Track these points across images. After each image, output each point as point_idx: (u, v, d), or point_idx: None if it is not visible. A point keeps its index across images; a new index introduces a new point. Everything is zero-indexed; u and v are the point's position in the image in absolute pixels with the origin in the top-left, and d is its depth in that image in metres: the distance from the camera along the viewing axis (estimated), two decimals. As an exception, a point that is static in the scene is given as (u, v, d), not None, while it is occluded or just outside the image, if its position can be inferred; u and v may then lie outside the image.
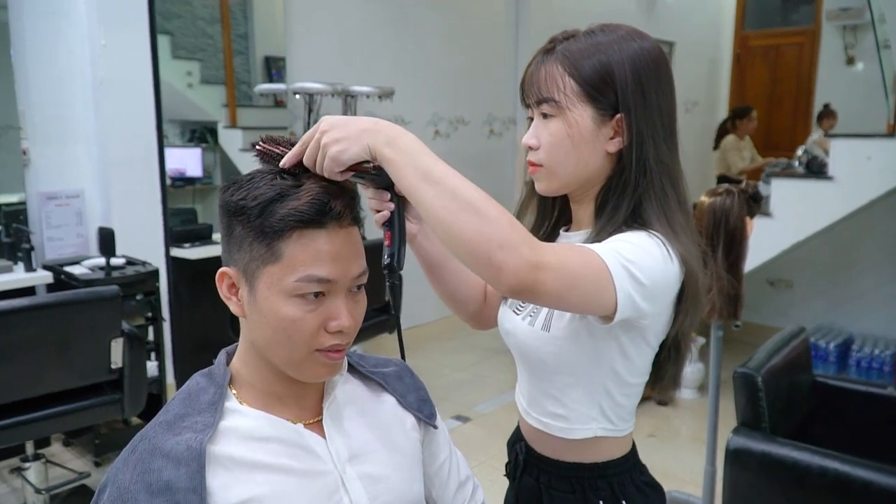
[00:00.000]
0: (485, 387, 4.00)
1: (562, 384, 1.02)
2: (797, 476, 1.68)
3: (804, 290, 4.59)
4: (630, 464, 1.07)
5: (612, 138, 0.97)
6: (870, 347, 4.13)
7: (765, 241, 3.34)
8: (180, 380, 3.45)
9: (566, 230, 1.10)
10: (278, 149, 0.87)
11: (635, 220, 0.97)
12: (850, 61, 6.16)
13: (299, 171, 0.86)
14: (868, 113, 4.86)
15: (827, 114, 5.51)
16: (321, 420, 0.93)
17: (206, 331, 3.54)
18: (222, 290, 0.89)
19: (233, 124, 4.11)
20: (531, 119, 1.03)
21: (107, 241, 2.81)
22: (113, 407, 2.34)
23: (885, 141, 3.26)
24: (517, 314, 1.08)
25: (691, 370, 3.78)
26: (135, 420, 3.05)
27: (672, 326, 1.00)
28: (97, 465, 2.84)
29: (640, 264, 0.88)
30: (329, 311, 0.84)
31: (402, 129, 0.83)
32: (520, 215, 1.14)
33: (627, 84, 0.95)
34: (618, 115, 0.96)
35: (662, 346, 1.02)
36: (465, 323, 1.23)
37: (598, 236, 0.96)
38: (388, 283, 0.95)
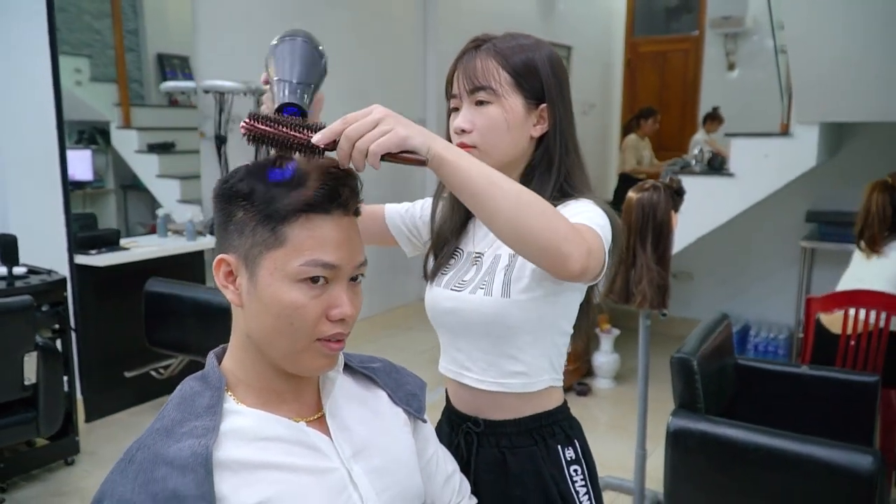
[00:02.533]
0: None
1: (521, 343, 1.12)
2: (733, 452, 1.78)
3: (704, 281, 4.87)
4: (567, 407, 1.21)
5: (535, 125, 1.12)
6: (766, 332, 4.44)
7: (671, 235, 3.52)
8: (87, 394, 3.24)
9: None
10: (269, 127, 0.83)
11: (563, 193, 1.12)
12: (731, 67, 6.56)
13: (304, 154, 0.84)
14: (751, 114, 5.22)
15: (714, 117, 5.87)
16: (322, 416, 0.91)
17: (116, 342, 3.35)
18: (219, 278, 0.86)
19: (127, 124, 3.89)
20: (455, 109, 1.14)
21: (9, 248, 2.60)
22: (27, 427, 2.17)
23: (780, 140, 3.53)
24: (459, 291, 1.14)
25: (607, 360, 3.93)
26: (40, 441, 2.84)
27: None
28: (2, 490, 2.62)
29: (604, 232, 1.02)
30: (331, 298, 0.83)
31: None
32: (436, 198, 1.25)
33: (549, 78, 1.11)
34: (542, 105, 1.11)
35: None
36: None
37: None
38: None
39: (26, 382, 2.13)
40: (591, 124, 6.94)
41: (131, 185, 3.98)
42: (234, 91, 3.75)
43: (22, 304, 2.05)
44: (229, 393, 0.88)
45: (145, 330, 2.93)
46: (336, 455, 0.88)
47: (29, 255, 2.86)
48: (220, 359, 0.92)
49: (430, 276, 1.22)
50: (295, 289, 0.81)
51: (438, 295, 1.18)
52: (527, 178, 1.13)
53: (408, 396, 1.04)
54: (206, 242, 3.66)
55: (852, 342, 2.64)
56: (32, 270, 2.79)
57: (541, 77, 1.11)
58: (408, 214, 1.30)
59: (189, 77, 4.04)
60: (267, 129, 0.82)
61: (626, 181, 5.69)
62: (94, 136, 3.85)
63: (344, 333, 0.86)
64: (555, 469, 1.14)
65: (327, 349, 0.85)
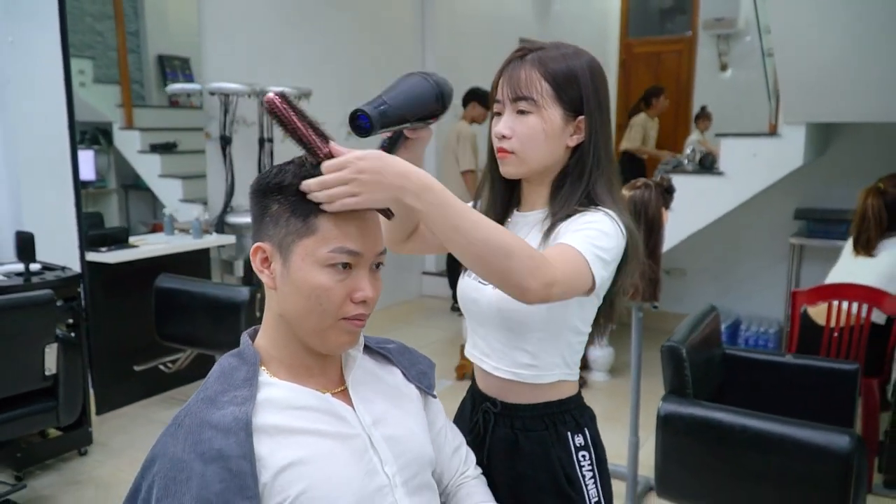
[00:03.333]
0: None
1: (533, 339, 1.19)
2: (720, 434, 1.89)
3: (696, 277, 4.98)
4: (580, 398, 1.29)
5: (572, 135, 1.17)
6: (756, 327, 4.56)
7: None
8: (98, 388, 3.34)
9: (519, 211, 1.27)
10: (292, 114, 0.91)
11: (590, 201, 1.16)
12: (724, 67, 6.67)
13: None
14: (742, 114, 5.34)
15: (703, 115, 5.98)
16: (344, 389, 1.02)
17: (125, 336, 3.45)
18: (255, 264, 0.97)
19: (129, 125, 3.99)
20: (498, 114, 1.20)
21: (26, 245, 2.70)
22: (48, 415, 2.27)
23: (768, 139, 3.64)
24: (483, 284, 1.22)
25: (602, 354, 4.04)
26: (53, 432, 2.94)
27: (613, 284, 1.18)
28: (18, 479, 2.72)
29: (606, 248, 1.08)
30: (355, 282, 0.94)
31: (430, 180, 0.92)
32: (477, 197, 1.33)
33: (589, 92, 1.16)
34: (580, 117, 1.16)
35: (604, 300, 1.22)
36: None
37: (555, 214, 1.17)
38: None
39: (47, 373, 2.23)
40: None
41: (132, 185, 4.07)
42: (239, 93, 3.85)
43: (44, 298, 2.15)
44: (263, 368, 0.98)
45: (155, 324, 3.03)
46: (358, 423, 0.99)
47: (41, 252, 2.96)
48: (252, 338, 1.03)
49: (464, 266, 1.29)
50: (323, 273, 0.92)
51: (467, 285, 1.27)
52: (558, 184, 1.20)
53: (419, 374, 1.15)
54: (213, 240, 3.76)
55: (836, 334, 2.76)
56: (47, 267, 2.89)
57: (580, 89, 1.15)
58: None
59: (189, 78, 4.13)
60: (288, 113, 0.91)
61: (629, 160, 5.75)
62: (96, 136, 3.94)
63: (365, 314, 0.96)
64: (563, 453, 1.22)
65: (350, 327, 0.95)
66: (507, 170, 1.20)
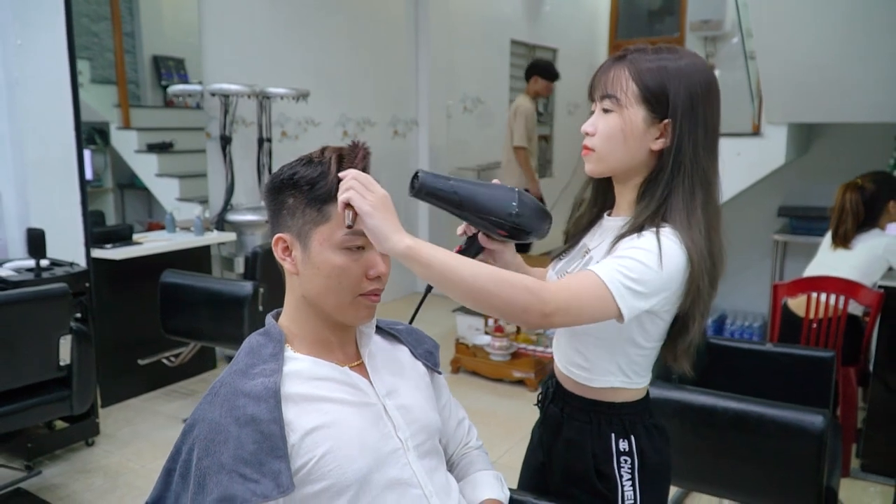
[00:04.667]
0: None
1: (587, 343, 1.23)
2: (705, 416, 2.00)
3: (683, 273, 5.08)
4: (641, 407, 1.28)
5: (657, 138, 1.14)
6: (741, 321, 4.69)
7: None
8: (103, 381, 3.43)
9: (609, 214, 1.29)
10: (358, 163, 1.06)
11: (661, 213, 1.13)
12: (711, 68, 6.78)
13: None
14: (730, 114, 5.46)
15: None
16: (361, 364, 1.14)
17: (130, 331, 3.54)
18: (277, 253, 1.08)
19: (126, 125, 4.05)
20: (593, 112, 1.20)
21: (37, 242, 2.79)
22: (62, 404, 2.36)
23: (751, 139, 3.77)
24: (560, 278, 1.27)
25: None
26: (59, 424, 3.03)
27: (682, 305, 1.15)
28: (28, 468, 2.80)
29: (638, 279, 1.06)
30: (368, 261, 1.06)
31: (406, 251, 0.99)
32: (577, 199, 1.36)
33: (679, 95, 1.12)
34: (666, 120, 1.13)
35: (676, 319, 1.19)
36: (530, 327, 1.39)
37: (635, 226, 1.14)
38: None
39: (61, 363, 2.32)
40: (576, 123, 7.15)
41: (128, 185, 4.13)
42: (239, 94, 3.94)
43: (60, 291, 2.24)
44: (287, 345, 1.10)
45: (161, 318, 3.12)
46: (374, 393, 1.11)
47: (49, 248, 3.04)
48: (276, 319, 1.14)
49: (552, 259, 1.37)
50: (340, 254, 1.04)
51: (550, 278, 1.32)
52: (642, 191, 1.17)
53: (426, 353, 1.27)
54: (214, 237, 3.85)
55: (815, 325, 2.89)
56: (56, 263, 2.97)
57: (668, 92, 1.11)
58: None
59: (184, 78, 4.21)
60: (354, 159, 1.07)
61: None
62: (92, 136, 4.00)
63: (380, 289, 1.09)
64: (600, 450, 1.25)
65: (368, 301, 1.08)
66: (588, 167, 1.21)
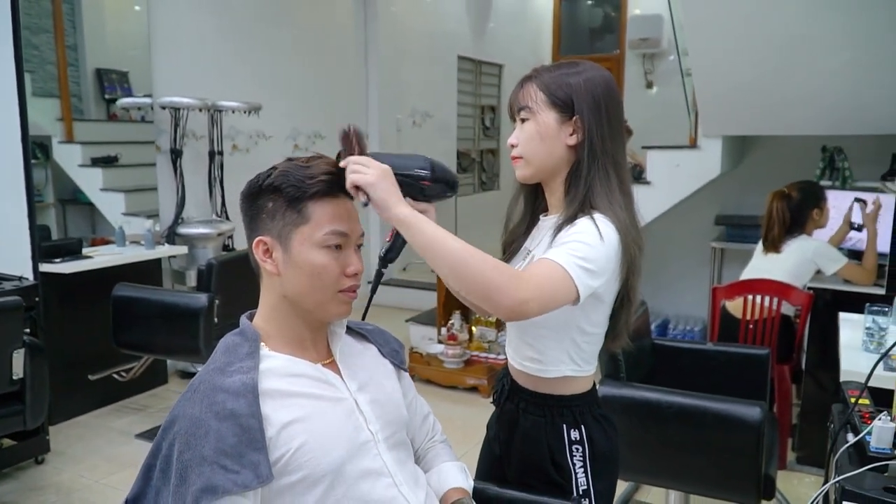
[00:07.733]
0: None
1: (537, 336, 1.33)
2: (650, 410, 2.11)
3: (628, 280, 5.25)
4: (589, 399, 1.38)
5: (571, 134, 1.27)
6: (682, 325, 4.88)
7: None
8: (52, 398, 3.36)
9: (544, 216, 1.40)
10: (355, 146, 1.14)
11: (588, 202, 1.25)
12: (650, 85, 7.05)
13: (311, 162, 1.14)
14: (667, 128, 5.68)
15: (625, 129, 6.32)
16: (332, 361, 1.20)
17: (79, 346, 3.48)
18: (258, 255, 1.14)
19: (70, 139, 3.98)
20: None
21: (-15, 255, 2.75)
22: (14, 419, 2.33)
23: (689, 151, 3.95)
24: None
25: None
26: (6, 441, 2.97)
27: (622, 277, 1.27)
28: (-25, 488, 2.75)
29: (588, 258, 1.17)
30: (345, 259, 1.13)
31: (411, 212, 1.11)
32: (508, 211, 1.47)
33: (582, 94, 1.26)
34: (574, 117, 1.26)
35: (618, 295, 1.30)
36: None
37: (567, 216, 1.25)
38: (376, 269, 1.26)
39: (14, 377, 2.29)
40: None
41: (71, 199, 4.05)
42: (191, 107, 3.94)
43: (13, 304, 2.22)
44: (262, 343, 1.15)
45: (113, 332, 3.09)
46: (346, 389, 1.17)
47: (-4, 263, 3.00)
48: (250, 320, 1.19)
49: None
50: (321, 254, 1.10)
51: None
52: (568, 185, 1.29)
53: (392, 352, 1.33)
54: (166, 250, 3.83)
55: (751, 325, 3.05)
56: (3, 277, 2.92)
57: (572, 91, 1.25)
58: None
59: (128, 91, 4.17)
60: (353, 144, 1.15)
61: None
62: (33, 150, 3.93)
63: (356, 285, 1.16)
64: (554, 441, 1.34)
65: (346, 297, 1.14)
66: (519, 173, 1.34)
